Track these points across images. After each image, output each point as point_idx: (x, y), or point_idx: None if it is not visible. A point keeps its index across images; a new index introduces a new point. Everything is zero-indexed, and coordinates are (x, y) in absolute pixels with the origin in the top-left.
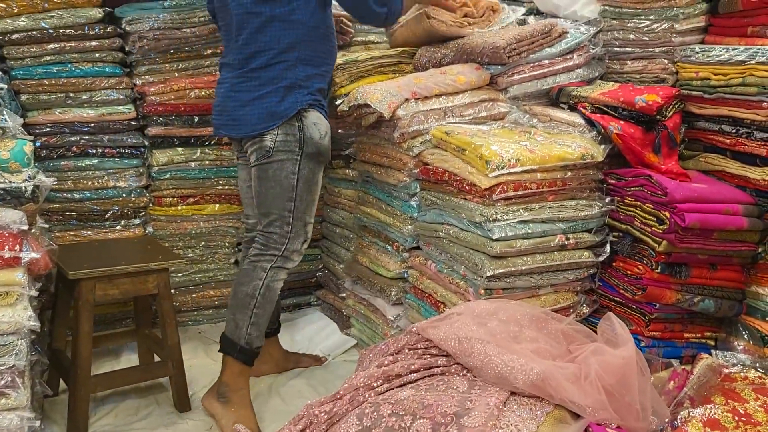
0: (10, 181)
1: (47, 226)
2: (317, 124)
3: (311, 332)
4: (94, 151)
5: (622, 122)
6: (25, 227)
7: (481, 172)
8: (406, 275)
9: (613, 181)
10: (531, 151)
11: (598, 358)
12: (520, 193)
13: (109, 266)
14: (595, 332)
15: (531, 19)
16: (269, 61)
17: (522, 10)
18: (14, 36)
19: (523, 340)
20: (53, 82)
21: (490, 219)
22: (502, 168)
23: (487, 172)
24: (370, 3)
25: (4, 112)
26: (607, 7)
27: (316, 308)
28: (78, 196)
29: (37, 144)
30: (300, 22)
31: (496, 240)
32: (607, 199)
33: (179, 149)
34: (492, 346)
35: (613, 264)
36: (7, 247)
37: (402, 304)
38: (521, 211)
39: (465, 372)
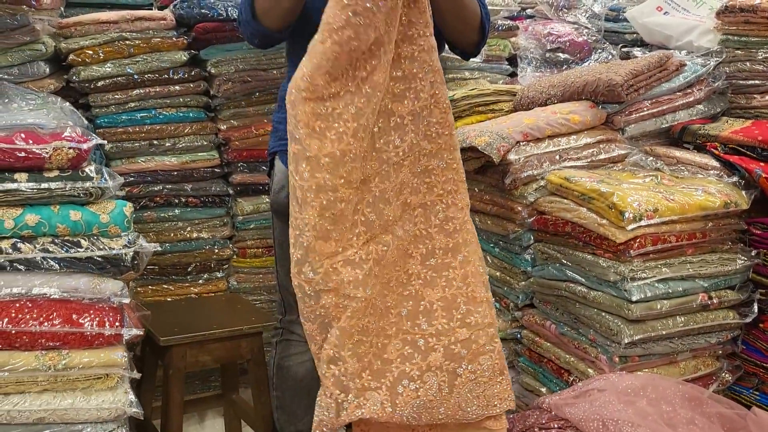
0: (110, 248)
1: (134, 285)
2: (276, 175)
3: None
4: (177, 201)
5: (762, 164)
6: (126, 300)
7: (614, 224)
8: (518, 336)
9: (759, 231)
10: (668, 200)
11: None
12: (659, 247)
13: (200, 331)
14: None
15: (636, 51)
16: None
17: None
18: (100, 83)
19: (679, 424)
20: (137, 129)
21: (628, 278)
22: (640, 219)
23: (624, 225)
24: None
25: (104, 171)
26: (729, 37)
27: None
28: (160, 248)
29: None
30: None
31: (636, 302)
32: (753, 252)
33: (265, 197)
34: (644, 430)
35: (760, 325)
36: (107, 323)
37: (514, 368)
38: (660, 267)
39: None
